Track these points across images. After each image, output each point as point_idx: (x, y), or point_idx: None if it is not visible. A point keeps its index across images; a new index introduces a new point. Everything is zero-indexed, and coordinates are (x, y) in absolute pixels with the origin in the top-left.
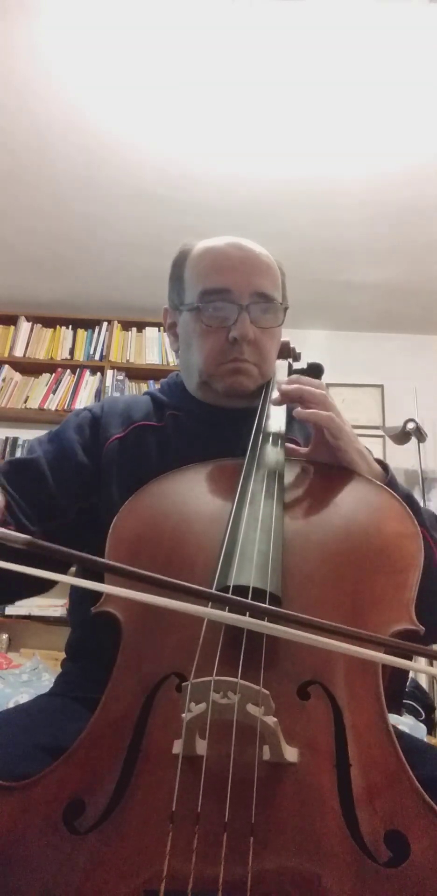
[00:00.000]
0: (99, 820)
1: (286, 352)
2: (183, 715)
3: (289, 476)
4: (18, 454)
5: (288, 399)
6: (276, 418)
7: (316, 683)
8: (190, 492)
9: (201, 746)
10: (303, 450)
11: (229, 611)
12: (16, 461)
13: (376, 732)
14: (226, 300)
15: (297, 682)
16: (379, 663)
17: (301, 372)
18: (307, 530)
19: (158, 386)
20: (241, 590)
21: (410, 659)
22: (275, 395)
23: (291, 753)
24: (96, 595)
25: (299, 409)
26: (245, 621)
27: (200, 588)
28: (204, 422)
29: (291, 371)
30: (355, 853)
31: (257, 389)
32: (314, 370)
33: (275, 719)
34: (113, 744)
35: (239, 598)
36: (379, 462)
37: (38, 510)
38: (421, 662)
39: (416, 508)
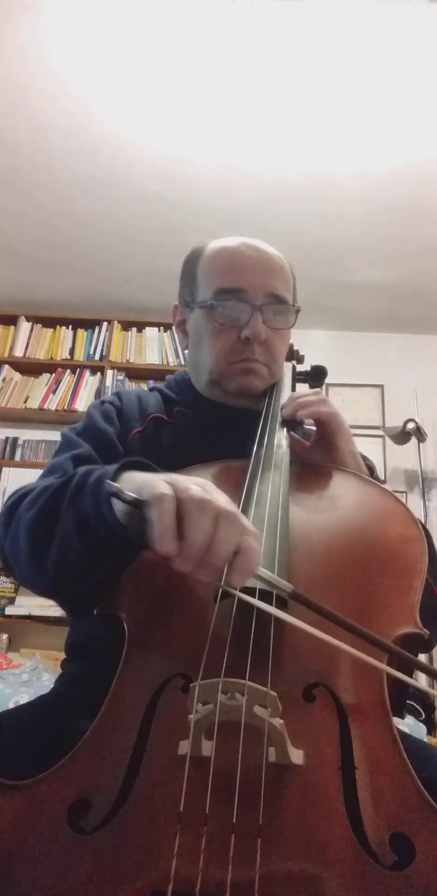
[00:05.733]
0: (104, 820)
1: (290, 354)
2: (190, 716)
3: (294, 478)
4: (18, 454)
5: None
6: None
7: (321, 686)
8: None
9: (207, 747)
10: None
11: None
12: (75, 456)
13: (380, 735)
14: (240, 300)
15: (302, 684)
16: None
17: (305, 374)
18: (313, 532)
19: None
20: (247, 591)
21: (413, 667)
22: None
23: (296, 755)
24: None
25: (302, 411)
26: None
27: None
28: (212, 420)
29: (295, 373)
30: (360, 856)
31: (265, 390)
32: (318, 373)
33: (281, 721)
34: (118, 744)
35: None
36: (363, 459)
37: None
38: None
39: None
